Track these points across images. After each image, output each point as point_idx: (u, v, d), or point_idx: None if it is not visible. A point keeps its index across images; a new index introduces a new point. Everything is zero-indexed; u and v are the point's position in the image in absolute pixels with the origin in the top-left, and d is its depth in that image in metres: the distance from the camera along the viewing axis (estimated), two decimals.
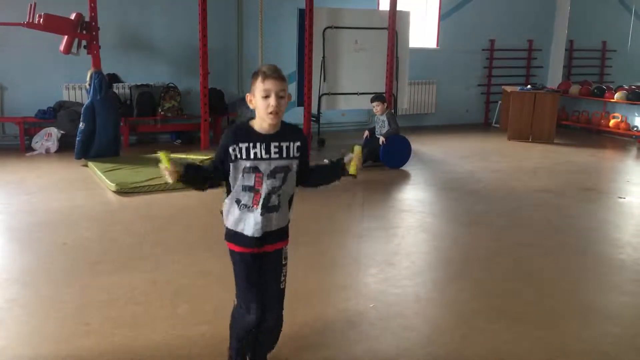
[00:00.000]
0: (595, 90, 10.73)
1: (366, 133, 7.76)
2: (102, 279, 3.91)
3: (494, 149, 9.21)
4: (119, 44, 8.56)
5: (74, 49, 7.14)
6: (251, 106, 2.42)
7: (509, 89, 10.54)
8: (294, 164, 2.47)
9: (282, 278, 2.61)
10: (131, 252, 4.43)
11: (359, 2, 9.77)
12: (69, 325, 3.27)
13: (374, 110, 7.57)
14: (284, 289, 2.63)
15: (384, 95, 7.96)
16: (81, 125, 7.14)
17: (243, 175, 2.42)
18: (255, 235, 2.47)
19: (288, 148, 2.44)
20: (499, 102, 11.39)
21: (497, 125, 11.35)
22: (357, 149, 2.50)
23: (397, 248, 4.69)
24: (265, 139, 2.40)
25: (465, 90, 11.51)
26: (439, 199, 6.40)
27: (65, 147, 7.92)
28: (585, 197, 6.35)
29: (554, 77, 12.00)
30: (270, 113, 2.33)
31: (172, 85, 8.75)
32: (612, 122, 10.43)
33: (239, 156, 2.39)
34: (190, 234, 4.92)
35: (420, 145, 8.86)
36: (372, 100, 7.56)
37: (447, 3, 10.94)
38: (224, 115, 9.17)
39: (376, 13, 9.66)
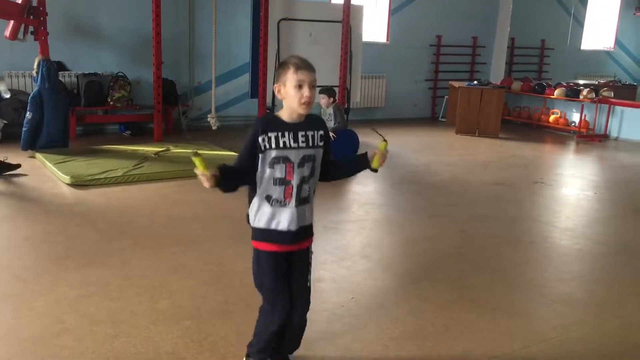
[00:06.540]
0: (537, 87, 11.15)
1: None
2: (71, 274, 3.76)
3: (444, 142, 9.44)
4: (65, 30, 8.22)
5: (20, 35, 6.80)
6: (279, 97, 2.42)
7: (456, 84, 10.81)
8: (320, 153, 2.48)
9: (309, 275, 2.63)
10: (97, 246, 4.28)
11: None
12: (43, 323, 3.13)
13: (320, 103, 7.55)
14: (310, 285, 2.64)
15: (334, 89, 7.94)
16: (28, 114, 6.82)
17: (273, 167, 2.38)
18: (292, 228, 2.44)
19: (313, 137, 2.45)
20: (446, 97, 11.65)
21: (444, 120, 11.62)
22: (382, 145, 2.52)
23: (367, 240, 4.74)
24: (293, 128, 2.40)
25: (413, 84, 11.71)
26: (399, 192, 6.49)
27: (7, 137, 7.54)
28: (536, 190, 6.61)
29: (496, 73, 12.40)
30: (304, 103, 2.35)
31: (121, 74, 8.48)
32: (551, 118, 10.88)
33: (267, 146, 2.36)
34: (155, 227, 4.79)
35: (372, 139, 8.95)
36: (320, 92, 7.55)
37: None
38: (176, 106, 8.97)
39: (330, 6, 9.69)
